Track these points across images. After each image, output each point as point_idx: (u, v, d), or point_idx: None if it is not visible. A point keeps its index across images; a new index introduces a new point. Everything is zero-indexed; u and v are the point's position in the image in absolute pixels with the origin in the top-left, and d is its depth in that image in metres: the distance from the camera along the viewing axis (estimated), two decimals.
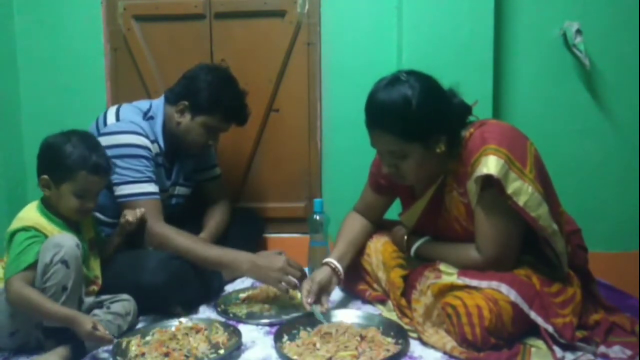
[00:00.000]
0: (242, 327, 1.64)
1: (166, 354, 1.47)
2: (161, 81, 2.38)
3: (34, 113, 2.43)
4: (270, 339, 1.58)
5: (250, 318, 1.74)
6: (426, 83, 1.53)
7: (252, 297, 1.89)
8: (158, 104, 1.99)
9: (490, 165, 1.47)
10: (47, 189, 1.58)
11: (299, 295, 1.84)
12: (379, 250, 1.81)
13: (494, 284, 1.48)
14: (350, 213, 1.92)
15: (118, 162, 1.78)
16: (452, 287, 1.52)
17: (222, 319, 1.71)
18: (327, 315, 1.66)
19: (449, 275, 1.56)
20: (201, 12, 2.36)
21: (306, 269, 2.01)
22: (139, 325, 1.70)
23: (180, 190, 2.10)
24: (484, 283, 1.49)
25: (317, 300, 1.67)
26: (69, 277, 1.46)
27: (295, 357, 1.45)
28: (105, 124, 1.91)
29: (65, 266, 1.45)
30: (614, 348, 1.46)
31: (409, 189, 1.74)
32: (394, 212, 1.92)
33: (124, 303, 1.67)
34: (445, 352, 1.48)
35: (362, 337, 1.53)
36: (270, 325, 1.69)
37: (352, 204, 1.93)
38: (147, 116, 1.96)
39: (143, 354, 1.47)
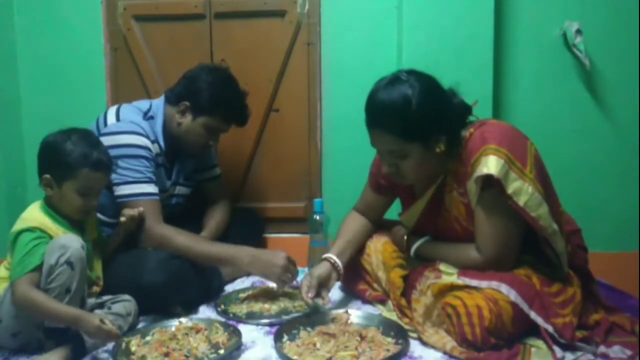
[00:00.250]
0: (242, 327, 1.64)
1: (166, 354, 1.47)
2: (161, 81, 2.38)
3: (34, 113, 2.43)
4: (270, 339, 1.58)
5: (250, 318, 1.74)
6: (426, 83, 1.53)
7: (252, 296, 1.89)
8: (158, 104, 1.99)
9: (491, 165, 1.47)
10: (49, 189, 1.58)
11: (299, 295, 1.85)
12: (379, 250, 1.81)
13: (494, 284, 1.48)
14: (350, 212, 1.92)
15: (118, 162, 1.78)
16: (452, 287, 1.52)
17: (222, 319, 1.71)
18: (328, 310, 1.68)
19: (449, 275, 1.56)
20: (201, 12, 2.36)
21: (306, 269, 2.02)
22: (139, 325, 1.70)
23: (180, 190, 2.10)
24: (484, 283, 1.49)
25: (318, 295, 1.68)
26: (73, 278, 1.46)
27: (295, 357, 1.45)
28: (105, 124, 1.91)
29: (70, 268, 1.45)
30: (614, 348, 1.46)
31: (409, 189, 1.74)
32: (394, 212, 1.92)
33: (125, 303, 1.67)
34: (445, 352, 1.48)
35: (362, 337, 1.53)
36: (270, 325, 1.69)
37: (352, 204, 1.93)
38: (147, 116, 1.96)
39: (143, 356, 1.47)
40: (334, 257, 1.75)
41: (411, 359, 1.48)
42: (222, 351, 1.49)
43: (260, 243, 2.36)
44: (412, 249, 1.73)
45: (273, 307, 1.80)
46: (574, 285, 1.55)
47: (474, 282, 1.51)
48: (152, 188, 1.86)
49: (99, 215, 1.85)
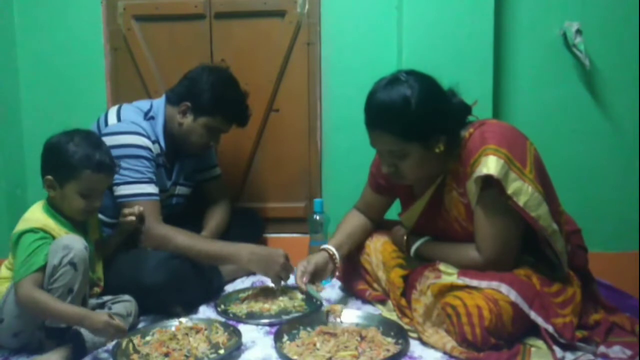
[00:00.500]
0: (242, 327, 1.64)
1: (166, 354, 1.47)
2: (161, 81, 2.38)
3: (34, 113, 2.43)
4: (270, 339, 1.58)
5: (250, 318, 1.74)
6: (425, 83, 1.53)
7: (252, 297, 1.89)
8: (159, 104, 1.99)
9: (490, 165, 1.47)
10: (51, 190, 1.58)
11: (299, 296, 1.85)
12: (379, 250, 1.81)
13: (494, 284, 1.48)
14: (351, 210, 1.93)
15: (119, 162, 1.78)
16: (452, 287, 1.52)
17: (222, 319, 1.71)
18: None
19: (449, 275, 1.56)
20: (201, 12, 2.36)
21: None
22: (139, 325, 1.70)
23: (180, 190, 2.10)
24: (484, 283, 1.49)
25: (312, 282, 1.71)
26: (76, 279, 1.46)
27: (295, 357, 1.45)
28: (106, 124, 1.91)
29: (73, 269, 1.45)
30: (614, 348, 1.46)
31: (409, 189, 1.74)
32: (394, 212, 1.92)
33: (125, 304, 1.67)
34: (445, 352, 1.48)
35: (362, 337, 1.53)
36: (270, 325, 1.69)
37: (352, 204, 1.94)
38: (148, 116, 1.96)
39: (143, 354, 1.47)
40: (332, 249, 1.77)
41: (411, 359, 1.48)
42: (222, 351, 1.49)
43: (260, 243, 2.34)
44: (412, 249, 1.73)
45: (273, 307, 1.80)
46: (574, 285, 1.56)
47: (474, 282, 1.50)
48: (152, 188, 1.87)
49: (100, 216, 1.85)
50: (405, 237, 1.76)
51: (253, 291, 1.93)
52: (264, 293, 1.90)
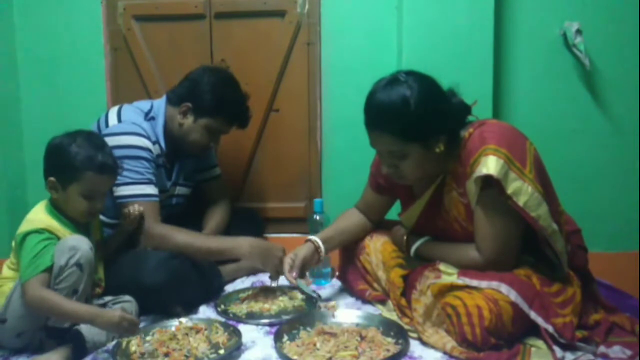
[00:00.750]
0: (242, 327, 1.64)
1: (166, 354, 1.47)
2: (161, 81, 2.38)
3: (34, 113, 2.43)
4: (270, 339, 1.58)
5: (250, 318, 1.74)
6: (425, 83, 1.53)
7: (252, 297, 1.89)
8: (159, 105, 1.99)
9: (490, 165, 1.47)
10: (54, 191, 1.58)
11: (299, 296, 1.85)
12: (379, 250, 1.81)
13: (494, 284, 1.48)
14: (351, 208, 1.93)
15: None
16: (452, 287, 1.52)
17: (222, 319, 1.71)
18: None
19: (449, 275, 1.56)
20: (201, 12, 2.36)
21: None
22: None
23: (180, 190, 2.10)
24: (484, 283, 1.49)
25: (302, 276, 1.75)
26: (81, 280, 1.47)
27: (295, 357, 1.45)
28: (106, 124, 1.91)
29: (79, 269, 1.46)
30: (614, 348, 1.46)
31: (409, 189, 1.74)
32: (394, 212, 1.92)
33: (126, 304, 1.67)
34: (445, 352, 1.48)
35: (362, 337, 1.53)
36: (270, 325, 1.69)
37: (352, 204, 1.94)
38: (148, 117, 1.96)
39: (143, 354, 1.48)
40: (318, 241, 1.80)
41: (411, 359, 1.48)
42: (222, 351, 1.49)
43: None
44: (411, 249, 1.73)
45: (273, 307, 1.80)
46: (574, 285, 1.55)
47: (474, 282, 1.50)
48: (151, 189, 1.87)
49: (101, 217, 1.85)
50: (405, 237, 1.76)
51: (253, 291, 1.93)
52: (264, 293, 1.90)
